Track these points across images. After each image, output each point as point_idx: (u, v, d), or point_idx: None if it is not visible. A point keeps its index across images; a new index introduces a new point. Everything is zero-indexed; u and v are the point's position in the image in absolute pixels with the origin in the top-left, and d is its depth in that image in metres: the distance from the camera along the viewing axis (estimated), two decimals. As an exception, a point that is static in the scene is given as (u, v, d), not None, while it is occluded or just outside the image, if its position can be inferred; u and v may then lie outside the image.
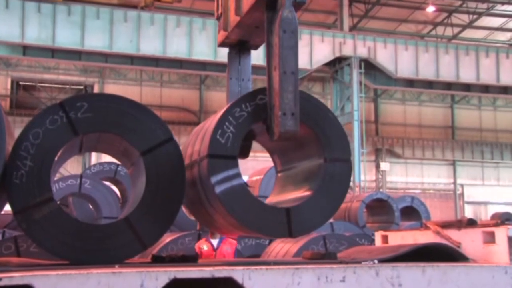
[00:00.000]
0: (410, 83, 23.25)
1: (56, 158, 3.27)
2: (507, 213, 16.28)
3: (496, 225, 3.53)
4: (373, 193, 14.70)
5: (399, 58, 22.28)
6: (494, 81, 23.12)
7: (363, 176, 22.43)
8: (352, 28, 25.81)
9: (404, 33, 27.93)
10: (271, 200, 3.90)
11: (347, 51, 21.99)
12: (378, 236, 4.52)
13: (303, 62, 20.88)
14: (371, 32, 25.85)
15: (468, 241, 3.64)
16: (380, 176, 28.52)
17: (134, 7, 20.00)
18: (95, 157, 23.26)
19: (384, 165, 28.05)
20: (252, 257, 7.04)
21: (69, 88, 25.84)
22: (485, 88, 23.86)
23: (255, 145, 3.90)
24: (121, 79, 26.24)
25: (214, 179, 3.27)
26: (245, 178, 10.22)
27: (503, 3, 26.00)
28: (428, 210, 14.43)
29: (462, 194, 29.90)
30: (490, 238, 3.52)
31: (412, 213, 14.18)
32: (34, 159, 3.14)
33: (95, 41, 18.99)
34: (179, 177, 3.38)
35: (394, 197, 13.96)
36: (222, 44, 4.10)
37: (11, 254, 4.20)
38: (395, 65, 22.25)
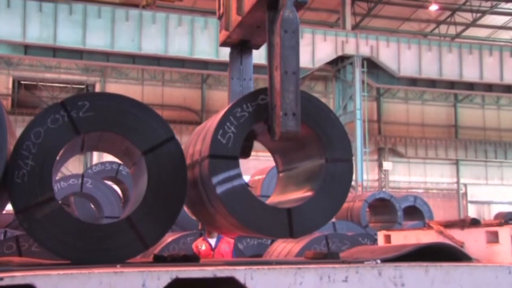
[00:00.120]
0: (413, 82, 23.21)
1: (57, 158, 3.27)
2: (510, 213, 16.21)
3: (500, 224, 3.52)
4: (375, 192, 14.68)
5: (402, 57, 22.23)
6: (498, 80, 23.06)
7: (366, 176, 22.40)
8: (355, 26, 25.77)
9: (407, 32, 27.88)
10: (272, 200, 3.90)
11: (350, 50, 21.95)
12: (380, 236, 4.51)
13: (305, 61, 20.87)
14: (374, 30, 25.81)
15: (471, 240, 3.63)
16: (382, 176, 28.49)
17: (136, 6, 20.00)
18: (96, 157, 23.30)
19: (386, 165, 28.01)
20: (254, 256, 7.03)
21: (71, 87, 25.87)
22: (489, 87, 23.79)
23: (257, 144, 3.90)
24: (122, 78, 26.26)
25: (215, 180, 3.27)
26: (247, 177, 10.26)
27: (507, 1, 25.92)
28: (431, 210, 14.40)
29: (465, 194, 29.84)
30: (493, 238, 3.51)
31: (415, 212, 14.16)
32: (36, 158, 3.14)
33: (97, 40, 19.00)
34: (181, 177, 3.38)
35: (396, 196, 13.94)
36: (223, 44, 4.10)
37: (12, 254, 4.20)
38: (397, 64, 22.21)
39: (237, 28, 3.83)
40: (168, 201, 3.32)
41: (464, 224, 3.76)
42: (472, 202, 29.84)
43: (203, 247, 6.44)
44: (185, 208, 3.88)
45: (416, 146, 28.88)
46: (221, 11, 4.02)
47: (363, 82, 22.16)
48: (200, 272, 2.70)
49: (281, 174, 4.03)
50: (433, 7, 26.35)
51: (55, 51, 19.30)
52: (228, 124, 3.36)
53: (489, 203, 29.80)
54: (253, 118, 3.42)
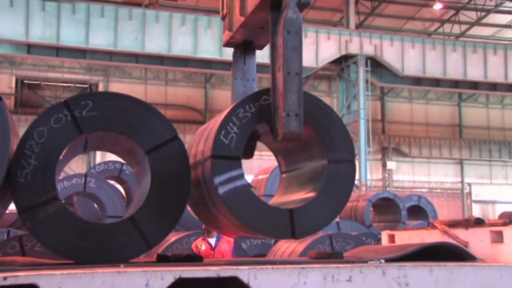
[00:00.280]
0: (417, 81, 23.16)
1: (60, 157, 3.26)
2: (514, 212, 16.18)
3: (504, 224, 3.51)
4: (379, 192, 14.65)
5: (405, 56, 22.19)
6: (502, 79, 22.99)
7: (370, 175, 22.37)
8: (359, 25, 25.74)
9: (411, 31, 27.82)
10: (275, 201, 3.90)
11: (353, 49, 21.92)
12: (384, 236, 4.50)
13: (309, 60, 20.85)
14: (378, 29, 25.76)
15: (475, 240, 3.61)
16: (386, 175, 28.44)
17: (139, 5, 20.02)
18: (99, 156, 23.34)
19: (390, 164, 27.96)
20: (257, 256, 7.02)
21: (74, 86, 25.92)
22: (493, 86, 23.72)
23: (260, 144, 3.89)
24: (126, 77, 26.30)
25: (217, 180, 3.27)
26: (250, 177, 10.24)
27: (511, 0, 25.83)
28: (435, 209, 14.37)
29: (469, 193, 29.77)
30: (498, 238, 3.49)
31: (419, 212, 14.13)
32: (39, 158, 3.14)
33: (100, 39, 19.03)
34: (184, 176, 3.37)
35: (400, 196, 13.91)
36: (227, 44, 4.11)
37: (16, 253, 4.20)
38: (401, 63, 22.16)
39: (240, 28, 3.83)
40: (171, 201, 3.32)
41: (468, 224, 3.75)
42: (476, 201, 29.76)
43: (203, 247, 6.44)
44: (188, 208, 3.88)
45: (420, 146, 28.83)
46: (225, 11, 4.02)
47: (367, 81, 22.13)
48: (203, 272, 2.69)
49: (283, 175, 4.03)
50: (437, 6, 26.27)
51: (58, 50, 19.34)
52: (230, 124, 3.35)
53: (493, 202, 29.72)
54: (256, 119, 3.42)
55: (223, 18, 4.08)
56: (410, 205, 13.95)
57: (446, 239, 3.77)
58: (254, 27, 3.77)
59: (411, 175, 29.09)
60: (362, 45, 21.96)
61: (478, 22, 27.76)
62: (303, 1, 3.35)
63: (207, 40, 20.03)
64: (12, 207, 3.45)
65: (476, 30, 28.66)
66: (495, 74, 22.87)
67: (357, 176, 20.51)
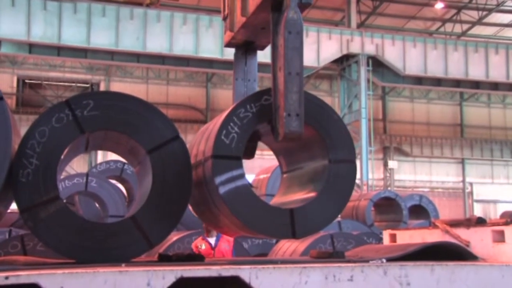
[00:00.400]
0: (418, 80, 23.14)
1: (62, 157, 3.27)
2: (516, 211, 16.17)
3: (506, 223, 3.51)
4: (381, 191, 14.65)
5: (407, 55, 22.17)
6: (504, 78, 22.96)
7: (371, 175, 22.36)
8: (360, 25, 25.72)
9: (412, 30, 27.79)
10: (276, 201, 3.90)
11: (355, 48, 21.91)
12: (386, 235, 4.50)
13: (310, 59, 20.84)
14: (379, 29, 25.74)
15: (477, 240, 3.61)
16: (388, 175, 28.43)
17: (140, 4, 20.03)
18: (101, 156, 23.35)
19: (392, 163, 27.94)
20: (259, 255, 7.02)
21: (75, 86, 25.93)
22: (495, 85, 23.69)
23: (262, 143, 3.89)
24: (127, 77, 26.31)
25: (218, 180, 3.27)
26: (252, 176, 10.23)
27: (512, 0, 25.83)
28: (436, 209, 14.37)
29: (471, 193, 29.74)
30: (499, 237, 3.49)
31: (420, 211, 14.12)
32: (40, 157, 3.14)
33: (101, 39, 19.04)
34: (186, 176, 3.37)
35: (402, 195, 13.91)
36: (228, 45, 4.12)
37: (17, 253, 4.20)
38: (403, 62, 22.14)
39: (241, 29, 3.84)
40: (173, 200, 3.32)
41: (470, 223, 3.75)
42: (478, 201, 29.73)
43: (203, 247, 6.44)
44: (189, 208, 3.88)
45: (421, 145, 28.80)
46: (226, 12, 4.04)
47: (368, 80, 22.12)
48: (205, 271, 2.69)
49: (284, 175, 4.03)
50: (439, 5, 26.25)
51: (60, 50, 19.35)
52: (231, 124, 3.36)
53: (495, 202, 29.69)
54: (257, 119, 3.42)
55: (224, 19, 4.09)
56: (412, 204, 13.95)
57: (447, 238, 3.76)
58: (255, 27, 3.78)
59: (412, 175, 29.07)
60: (364, 44, 21.95)
61: (479, 22, 27.73)
62: (304, 2, 3.36)
63: (208, 40, 20.03)
64: (13, 206, 3.46)
65: (478, 30, 28.62)
66: (497, 74, 22.84)
67: (358, 176, 20.52)
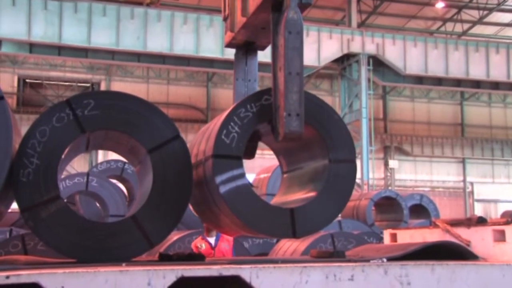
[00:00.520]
0: (419, 80, 23.13)
1: (63, 156, 3.27)
2: (517, 211, 16.17)
3: (507, 223, 3.51)
4: (381, 191, 14.65)
5: (408, 54, 22.16)
6: (505, 78, 22.94)
7: (372, 174, 22.35)
8: (361, 24, 25.71)
9: (413, 30, 27.78)
10: (276, 200, 3.91)
11: (355, 47, 21.90)
12: (386, 235, 4.50)
13: (311, 59, 20.84)
14: (380, 28, 25.73)
15: (478, 239, 3.61)
16: (388, 174, 28.42)
17: (140, 3, 20.04)
18: (102, 155, 23.35)
19: (392, 163, 27.93)
20: (259, 255, 7.02)
21: (76, 85, 25.94)
22: (495, 85, 23.68)
23: (262, 143, 3.89)
24: (127, 76, 26.31)
25: (218, 179, 3.28)
26: (252, 176, 10.21)
27: (513, -1, 25.80)
28: (437, 208, 14.37)
29: (472, 192, 29.72)
30: (500, 237, 3.49)
31: (421, 211, 14.13)
32: (41, 157, 3.14)
33: (102, 38, 19.04)
34: (186, 175, 3.37)
35: (403, 195, 13.91)
36: (229, 45, 4.13)
37: (18, 252, 4.21)
38: (404, 61, 22.14)
39: (242, 29, 3.84)
40: (173, 200, 3.32)
41: (470, 223, 3.75)
42: (478, 200, 29.72)
43: (203, 247, 6.43)
44: (190, 207, 3.89)
45: (422, 145, 28.79)
46: (227, 12, 4.04)
47: (369, 80, 22.11)
48: (205, 271, 2.70)
49: (285, 175, 4.04)
50: (440, 5, 26.24)
51: (60, 49, 19.36)
52: (232, 124, 3.36)
53: (495, 201, 29.67)
54: (257, 119, 3.43)
55: (225, 19, 4.10)
56: (412, 204, 13.95)
57: (448, 238, 3.76)
58: (256, 27, 3.79)
59: (413, 174, 29.06)
60: (364, 44, 21.94)
61: (480, 21, 27.71)
62: (304, 2, 3.37)
63: (209, 39, 20.03)
64: (14, 206, 3.46)
65: (479, 29, 28.60)
66: (498, 73, 22.83)
67: (359, 175, 20.53)
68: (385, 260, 3.14)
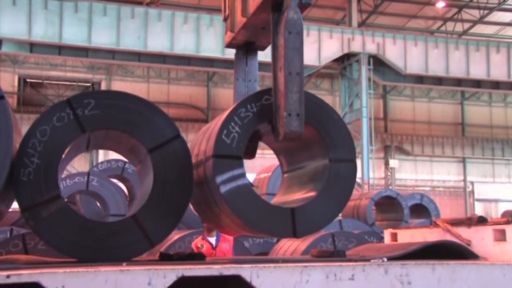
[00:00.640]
0: (419, 79, 23.12)
1: (63, 156, 3.27)
2: (517, 210, 16.16)
3: (507, 222, 3.51)
4: (382, 190, 14.65)
5: (408, 54, 22.15)
6: (505, 77, 22.93)
7: (372, 174, 22.35)
8: (361, 24, 25.69)
9: (413, 29, 27.76)
10: (276, 200, 3.92)
11: (356, 47, 21.89)
12: (387, 234, 4.50)
13: (312, 58, 20.83)
14: (380, 28, 25.72)
15: (478, 239, 3.61)
16: (389, 174, 28.41)
17: (140, 3, 20.03)
18: (102, 155, 23.36)
19: (393, 162, 27.92)
20: (260, 254, 7.03)
21: (76, 85, 25.94)
22: (496, 84, 23.66)
23: (262, 143, 3.89)
24: (128, 76, 26.30)
25: (219, 179, 3.29)
26: (253, 175, 10.21)
27: (514, -3, 25.78)
28: (437, 208, 14.36)
29: (472, 192, 29.71)
30: (501, 236, 3.49)
31: (421, 210, 14.12)
32: (42, 156, 3.14)
33: (102, 38, 19.04)
34: (187, 174, 3.37)
35: (403, 194, 13.91)
36: (229, 45, 4.14)
37: (19, 252, 4.21)
38: (404, 61, 22.13)
39: (242, 29, 3.85)
40: (174, 199, 3.32)
41: (471, 222, 3.74)
42: (479, 200, 29.70)
43: (204, 247, 6.43)
44: (191, 206, 3.89)
45: (422, 144, 28.78)
46: (227, 12, 4.05)
47: (369, 79, 22.10)
48: (206, 270, 2.70)
49: (285, 175, 4.04)
50: (440, 4, 26.21)
51: (61, 49, 19.36)
52: (232, 124, 3.37)
53: (496, 201, 29.66)
54: (257, 119, 3.44)
55: (225, 20, 4.10)
56: (413, 203, 13.95)
57: (448, 237, 3.76)
58: (256, 28, 3.80)
59: (413, 174, 29.04)
60: (365, 43, 21.93)
61: (481, 20, 27.69)
62: (304, 2, 3.38)
63: (209, 39, 20.03)
64: (15, 205, 3.46)
65: (479, 28, 28.57)
66: (498, 72, 22.82)
67: (359, 175, 20.52)
68: (385, 259, 3.14)
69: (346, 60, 22.73)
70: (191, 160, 3.44)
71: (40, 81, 25.69)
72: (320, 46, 21.34)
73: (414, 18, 28.11)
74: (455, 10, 27.49)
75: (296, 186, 3.84)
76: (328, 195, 3.49)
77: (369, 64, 21.95)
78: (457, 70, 22.52)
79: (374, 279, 2.87)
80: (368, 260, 3.13)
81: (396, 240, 4.34)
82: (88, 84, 26.28)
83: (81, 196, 10.49)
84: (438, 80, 23.19)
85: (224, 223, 3.65)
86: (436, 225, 3.96)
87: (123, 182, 11.96)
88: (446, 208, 26.41)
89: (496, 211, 28.67)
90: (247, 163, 3.50)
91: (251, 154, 3.73)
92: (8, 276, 2.39)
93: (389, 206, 13.44)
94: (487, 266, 3.12)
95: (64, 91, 25.49)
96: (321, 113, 3.55)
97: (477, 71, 22.66)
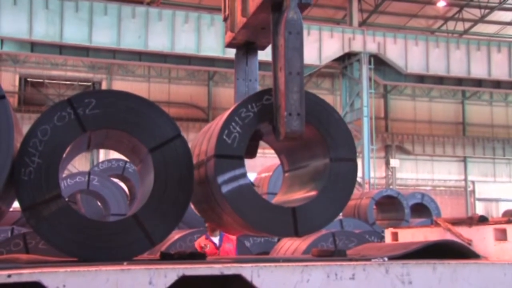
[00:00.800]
0: (420, 79, 23.11)
1: (64, 155, 3.27)
2: (518, 210, 16.15)
3: (508, 222, 3.50)
4: (383, 190, 14.64)
5: (409, 53, 22.14)
6: (506, 77, 22.91)
7: (373, 173, 22.35)
8: (362, 23, 25.68)
9: (414, 28, 27.74)
10: (278, 199, 3.92)
11: (357, 46, 21.89)
12: (388, 233, 4.50)
13: (312, 58, 20.82)
14: (381, 27, 25.71)
15: (479, 238, 3.61)
16: (390, 173, 28.40)
17: (141, 2, 20.03)
18: (103, 154, 23.37)
19: (394, 162, 27.92)
20: (261, 254, 7.03)
21: (77, 84, 25.95)
22: (497, 84, 23.65)
23: (263, 142, 3.90)
24: (129, 75, 26.31)
25: (220, 179, 3.29)
26: (253, 175, 10.20)
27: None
28: (438, 207, 14.36)
29: (473, 191, 29.70)
30: (501, 235, 3.49)
31: (422, 210, 14.11)
32: (42, 155, 3.14)
33: (103, 37, 19.05)
34: (188, 174, 3.37)
35: (404, 194, 13.90)
36: (229, 45, 4.15)
37: (19, 251, 4.21)
38: (405, 60, 22.12)
39: (242, 29, 3.86)
40: (174, 199, 3.32)
41: (472, 222, 3.74)
42: (480, 199, 29.69)
43: (208, 247, 6.43)
44: (191, 206, 3.89)
45: (423, 143, 28.78)
46: (227, 13, 4.06)
47: (370, 79, 22.10)
48: (207, 270, 2.70)
49: (286, 174, 4.05)
50: (441, 3, 26.20)
51: (62, 49, 19.37)
52: (233, 124, 3.38)
53: (497, 200, 29.65)
54: (258, 118, 3.44)
55: (225, 20, 4.11)
56: (414, 203, 13.94)
57: (449, 237, 3.76)
58: (256, 28, 3.81)
59: (414, 173, 29.04)
60: (365, 42, 21.92)
61: (481, 20, 27.67)
62: (304, 2, 3.38)
63: (210, 38, 20.03)
64: (16, 204, 3.46)
65: (480, 28, 28.55)
66: (499, 72, 22.80)
67: (360, 174, 20.51)
68: (386, 259, 3.14)
69: (347, 60, 22.72)
70: (192, 159, 3.45)
71: (41, 80, 25.70)
72: (320, 46, 21.33)
73: (415, 17, 28.09)
74: (456, 9, 27.47)
75: (297, 185, 3.84)
76: (329, 195, 3.50)
77: (370, 63, 21.95)
78: (458, 70, 22.51)
79: (375, 278, 2.87)
80: (369, 259, 3.13)
81: (397, 240, 4.34)
82: (89, 84, 26.30)
83: (82, 195, 10.49)
84: (439, 80, 23.18)
85: (226, 222, 3.66)
86: (437, 224, 3.96)
87: (124, 181, 11.95)
88: (447, 207, 26.41)
89: (497, 211, 28.66)
90: (247, 162, 3.51)
91: (252, 153, 3.74)
92: (9, 276, 2.39)
93: (390, 205, 13.43)
94: (488, 266, 3.12)
95: (65, 91, 25.51)
96: (321, 113, 3.56)
97: (478, 71, 22.64)
